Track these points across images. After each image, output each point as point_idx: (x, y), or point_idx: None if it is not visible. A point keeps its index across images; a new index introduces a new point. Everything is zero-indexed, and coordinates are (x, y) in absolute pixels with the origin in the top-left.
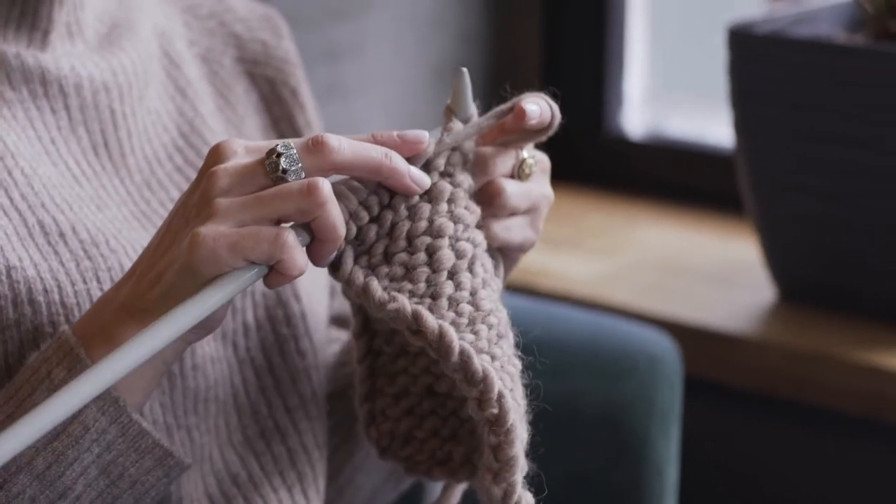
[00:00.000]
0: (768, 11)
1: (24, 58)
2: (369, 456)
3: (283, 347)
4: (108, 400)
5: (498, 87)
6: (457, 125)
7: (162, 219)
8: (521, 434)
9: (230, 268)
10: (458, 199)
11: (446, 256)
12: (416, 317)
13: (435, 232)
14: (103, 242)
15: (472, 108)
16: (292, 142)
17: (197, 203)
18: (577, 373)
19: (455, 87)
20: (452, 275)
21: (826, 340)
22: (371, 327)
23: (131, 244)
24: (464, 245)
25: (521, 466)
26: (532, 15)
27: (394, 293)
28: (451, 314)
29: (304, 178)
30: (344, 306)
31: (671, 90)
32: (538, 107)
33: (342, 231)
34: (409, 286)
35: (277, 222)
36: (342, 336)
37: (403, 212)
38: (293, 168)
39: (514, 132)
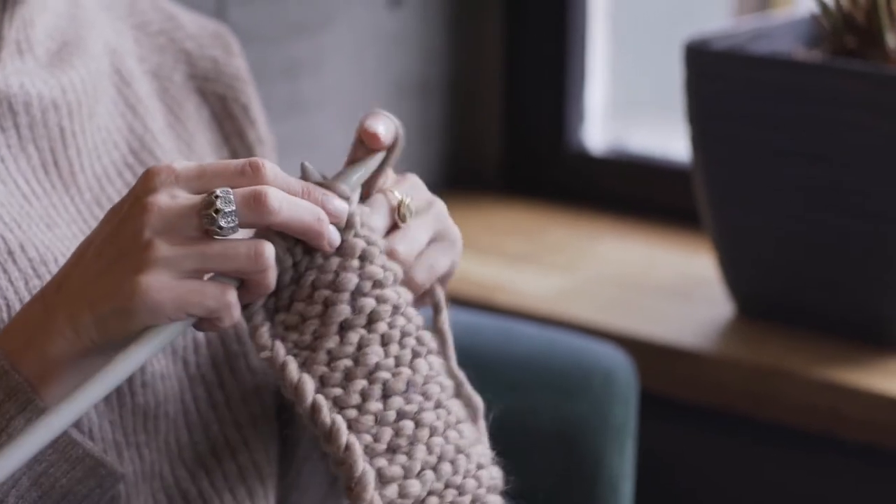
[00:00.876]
0: (726, 27)
1: None
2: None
3: (233, 364)
4: (36, 412)
5: (460, 103)
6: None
7: None
8: (373, 484)
9: (170, 321)
10: (372, 257)
11: (339, 311)
12: (283, 368)
13: (336, 286)
14: (52, 261)
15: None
16: (232, 193)
17: (131, 238)
18: (530, 388)
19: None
20: (343, 329)
21: (783, 356)
22: None
23: None
24: (366, 301)
25: None
26: (493, 29)
27: (276, 342)
28: (324, 368)
29: (237, 229)
30: None
31: (633, 105)
32: (383, 125)
33: (272, 289)
34: (295, 336)
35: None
36: None
37: (317, 261)
38: (230, 225)
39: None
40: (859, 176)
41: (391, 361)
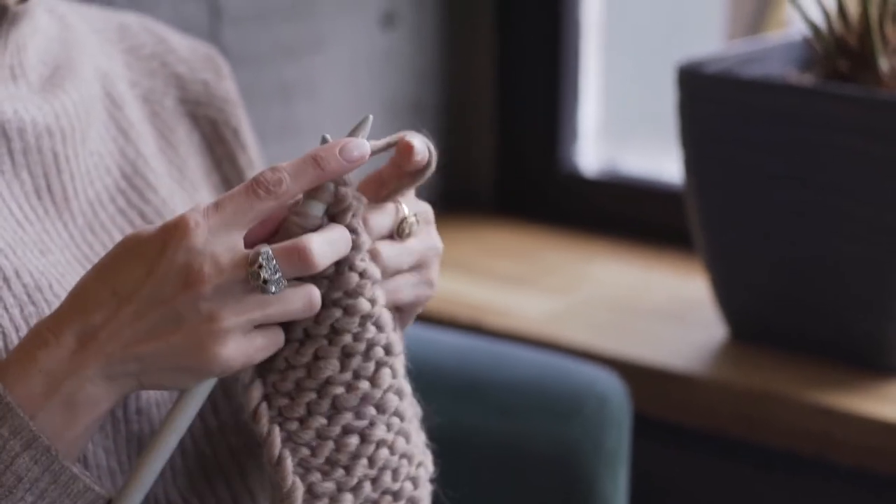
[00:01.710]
0: (719, 50)
1: None
2: None
3: (227, 390)
4: (40, 449)
5: (453, 123)
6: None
7: None
8: (301, 499)
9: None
10: (350, 263)
11: (301, 321)
12: (255, 413)
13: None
14: (47, 287)
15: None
16: (271, 250)
17: (187, 311)
18: (524, 413)
19: (357, 129)
20: (303, 340)
21: (776, 380)
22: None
23: None
24: (330, 313)
25: None
26: (486, 51)
27: (263, 407)
28: (276, 376)
29: (285, 285)
30: None
31: (626, 127)
32: (421, 143)
33: None
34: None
35: None
36: None
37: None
38: (279, 287)
39: (395, 176)
40: (852, 200)
41: (348, 376)
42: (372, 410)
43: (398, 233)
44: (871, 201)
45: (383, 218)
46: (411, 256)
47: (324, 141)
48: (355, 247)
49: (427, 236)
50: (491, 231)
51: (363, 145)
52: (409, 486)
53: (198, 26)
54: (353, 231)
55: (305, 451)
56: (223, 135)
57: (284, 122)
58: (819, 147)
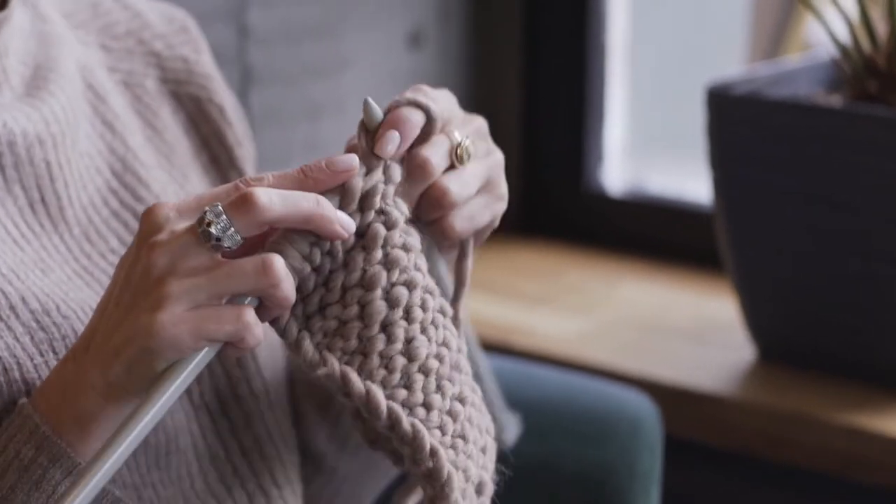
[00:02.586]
0: (746, 71)
1: None
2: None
3: (236, 390)
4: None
5: None
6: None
7: (104, 272)
8: (458, 484)
9: (192, 351)
10: (392, 239)
11: (377, 309)
12: (345, 380)
13: (367, 283)
14: (54, 309)
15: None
16: (220, 205)
17: (141, 280)
18: (555, 435)
19: (365, 111)
20: (385, 327)
21: (804, 400)
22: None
23: (80, 307)
24: (398, 291)
25: None
26: (511, 70)
27: (325, 353)
28: (382, 371)
29: (239, 238)
30: None
31: (651, 146)
32: (394, 132)
33: (293, 300)
34: (340, 343)
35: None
36: None
37: (340, 259)
38: (227, 234)
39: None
40: (882, 221)
41: (434, 348)
42: (456, 374)
43: (458, 159)
44: None
45: (437, 152)
46: (477, 180)
47: (366, 104)
48: (389, 220)
49: (485, 155)
50: (516, 251)
51: (349, 161)
52: (489, 439)
53: (225, 46)
54: (382, 213)
55: (438, 434)
56: (208, 112)
57: (311, 141)
58: (849, 168)
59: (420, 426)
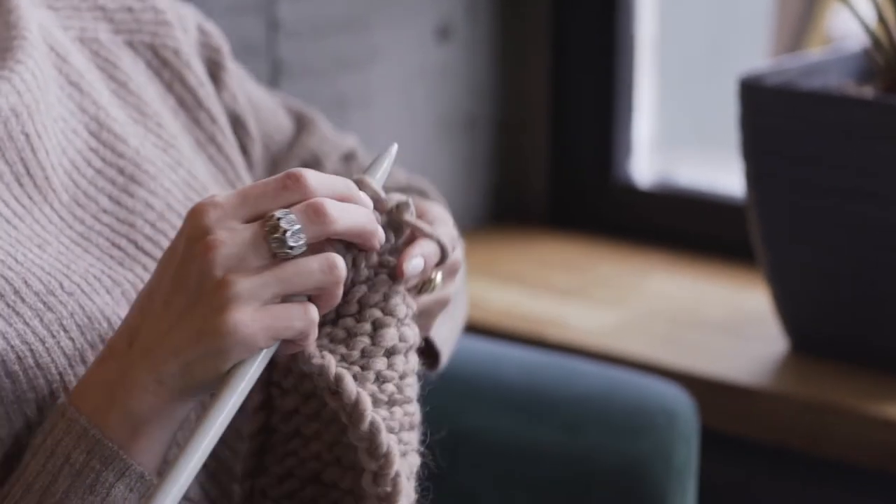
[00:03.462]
0: (777, 63)
1: None
2: None
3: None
4: (133, 476)
5: (507, 137)
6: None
7: (100, 234)
8: None
9: (262, 350)
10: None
11: (390, 336)
12: (338, 379)
13: (388, 309)
14: (58, 287)
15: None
16: (292, 212)
17: (201, 280)
18: (592, 428)
19: (378, 162)
20: (389, 354)
21: (838, 392)
22: (272, 404)
23: (83, 278)
24: (407, 331)
25: None
26: (540, 64)
27: (325, 352)
28: (374, 387)
29: (305, 247)
30: None
31: (680, 138)
32: (421, 258)
33: (340, 298)
34: (343, 350)
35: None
36: None
37: (363, 274)
38: (299, 244)
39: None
40: None
41: (416, 391)
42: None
43: (422, 289)
44: None
45: (415, 273)
46: (434, 300)
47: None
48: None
49: (441, 293)
50: (546, 244)
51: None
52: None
53: (255, 39)
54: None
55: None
56: (165, 57)
57: None
58: (882, 159)
59: (395, 447)
